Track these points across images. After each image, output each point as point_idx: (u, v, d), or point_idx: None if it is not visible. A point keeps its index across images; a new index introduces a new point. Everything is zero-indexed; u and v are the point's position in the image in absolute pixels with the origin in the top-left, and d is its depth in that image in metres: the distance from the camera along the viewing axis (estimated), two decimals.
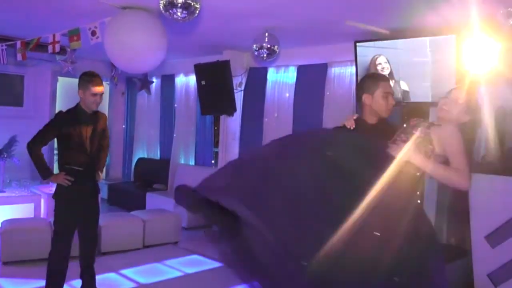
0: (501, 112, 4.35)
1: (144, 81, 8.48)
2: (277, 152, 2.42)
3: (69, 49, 5.89)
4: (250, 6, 4.35)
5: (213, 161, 7.75)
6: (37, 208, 6.23)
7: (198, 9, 3.79)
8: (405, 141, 2.41)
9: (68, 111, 3.71)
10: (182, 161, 8.18)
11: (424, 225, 2.19)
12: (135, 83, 8.66)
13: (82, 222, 3.77)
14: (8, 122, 7.25)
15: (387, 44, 4.92)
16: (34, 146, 3.64)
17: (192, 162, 8.09)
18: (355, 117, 2.85)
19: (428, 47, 4.61)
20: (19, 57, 5.22)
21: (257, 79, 6.77)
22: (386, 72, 4.93)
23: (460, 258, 4.40)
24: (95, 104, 3.68)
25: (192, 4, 3.70)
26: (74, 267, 3.84)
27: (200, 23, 4.97)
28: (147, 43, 4.50)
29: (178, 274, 4.98)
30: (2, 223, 5.20)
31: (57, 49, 4.94)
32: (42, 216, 6.18)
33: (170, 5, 3.68)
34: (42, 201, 6.28)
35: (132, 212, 6.24)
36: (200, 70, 6.92)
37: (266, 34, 5.21)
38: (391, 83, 4.19)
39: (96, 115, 3.79)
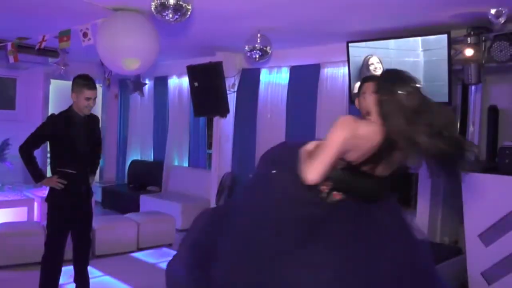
0: (493, 110, 4.37)
1: (137, 83, 8.45)
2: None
3: (60, 50, 5.84)
4: (242, 7, 4.35)
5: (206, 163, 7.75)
6: (30, 212, 6.17)
7: (190, 11, 3.77)
8: None
9: (61, 114, 3.69)
10: (176, 163, 8.17)
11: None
12: (128, 85, 8.63)
13: (76, 225, 3.75)
14: (0, 126, 7.21)
15: (380, 44, 4.93)
16: (27, 149, 3.62)
17: (185, 164, 8.09)
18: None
19: (420, 47, 4.62)
20: (11, 59, 5.17)
21: (250, 80, 6.76)
22: (378, 72, 4.93)
23: (453, 257, 4.43)
24: (88, 109, 3.66)
25: (184, 5, 3.69)
26: (68, 271, 3.82)
27: (192, 24, 4.95)
28: (139, 45, 4.48)
29: None
30: None
31: (43, 45, 4.88)
32: (35, 219, 6.13)
33: (162, 6, 3.67)
34: (36, 204, 6.23)
35: (126, 215, 6.23)
36: (193, 72, 6.90)
37: (259, 35, 5.21)
38: None
39: (89, 118, 3.77)
